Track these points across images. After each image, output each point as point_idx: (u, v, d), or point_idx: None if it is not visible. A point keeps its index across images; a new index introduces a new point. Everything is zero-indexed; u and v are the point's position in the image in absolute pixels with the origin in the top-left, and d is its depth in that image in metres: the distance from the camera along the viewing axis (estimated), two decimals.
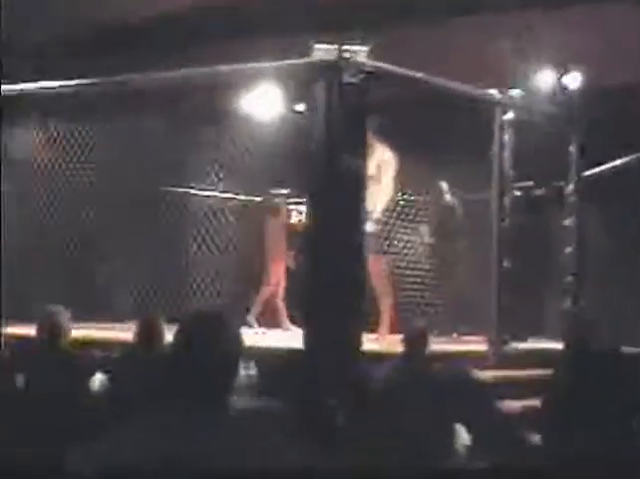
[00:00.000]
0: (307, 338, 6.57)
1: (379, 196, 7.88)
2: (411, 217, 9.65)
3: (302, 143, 7.02)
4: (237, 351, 2.74)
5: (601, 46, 8.49)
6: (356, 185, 6.76)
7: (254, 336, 8.78)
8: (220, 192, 10.55)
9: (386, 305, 8.02)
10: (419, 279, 9.31)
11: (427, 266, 9.41)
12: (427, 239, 9.54)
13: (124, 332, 6.92)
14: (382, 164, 7.94)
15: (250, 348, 6.48)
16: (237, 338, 2.75)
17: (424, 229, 9.63)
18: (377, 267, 7.88)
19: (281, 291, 10.15)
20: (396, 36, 8.66)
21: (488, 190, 7.61)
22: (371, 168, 7.52)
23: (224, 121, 9.24)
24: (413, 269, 9.37)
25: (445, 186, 9.51)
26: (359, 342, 6.53)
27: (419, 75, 7.10)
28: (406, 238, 9.54)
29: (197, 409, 2.62)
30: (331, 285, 6.55)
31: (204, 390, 2.65)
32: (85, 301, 7.85)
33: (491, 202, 7.59)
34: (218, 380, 2.68)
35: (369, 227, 7.30)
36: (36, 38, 9.07)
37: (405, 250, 9.49)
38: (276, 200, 9.98)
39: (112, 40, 9.10)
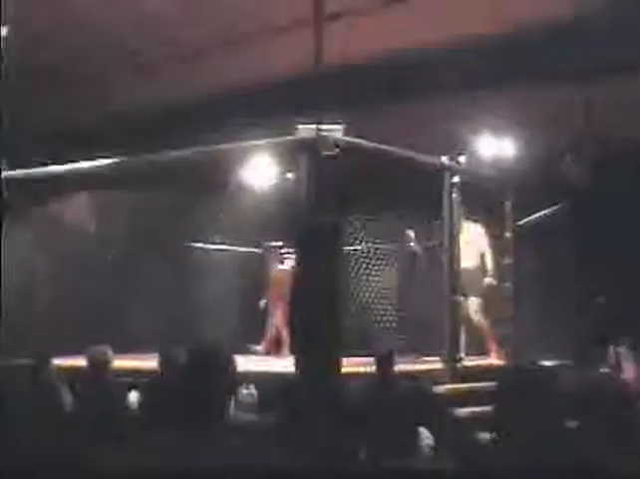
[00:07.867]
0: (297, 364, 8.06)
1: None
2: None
3: (290, 204, 8.68)
4: (232, 375, 3.26)
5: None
6: (334, 236, 8.23)
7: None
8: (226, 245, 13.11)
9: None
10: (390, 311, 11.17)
11: (396, 302, 11.24)
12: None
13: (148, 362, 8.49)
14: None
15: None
16: (231, 365, 3.26)
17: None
18: None
19: (283, 324, 11.93)
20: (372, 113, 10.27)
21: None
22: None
23: (228, 188, 11.47)
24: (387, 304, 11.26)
25: (411, 234, 11.23)
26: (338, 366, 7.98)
27: (384, 148, 8.72)
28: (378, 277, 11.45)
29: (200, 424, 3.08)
30: (314, 317, 8.05)
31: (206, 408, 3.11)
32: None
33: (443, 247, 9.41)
34: (216, 400, 3.16)
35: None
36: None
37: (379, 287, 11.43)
38: (272, 250, 11.94)
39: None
